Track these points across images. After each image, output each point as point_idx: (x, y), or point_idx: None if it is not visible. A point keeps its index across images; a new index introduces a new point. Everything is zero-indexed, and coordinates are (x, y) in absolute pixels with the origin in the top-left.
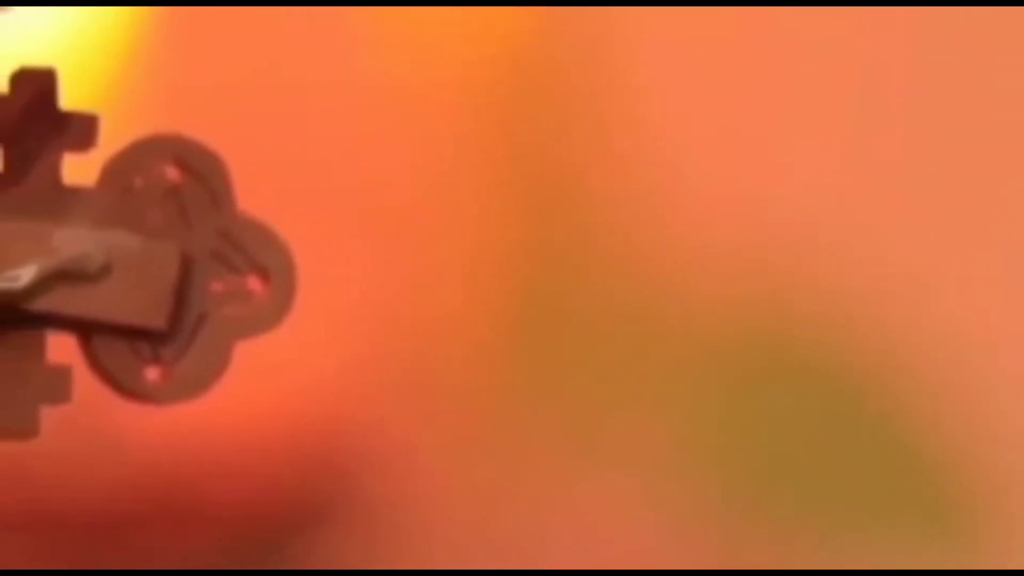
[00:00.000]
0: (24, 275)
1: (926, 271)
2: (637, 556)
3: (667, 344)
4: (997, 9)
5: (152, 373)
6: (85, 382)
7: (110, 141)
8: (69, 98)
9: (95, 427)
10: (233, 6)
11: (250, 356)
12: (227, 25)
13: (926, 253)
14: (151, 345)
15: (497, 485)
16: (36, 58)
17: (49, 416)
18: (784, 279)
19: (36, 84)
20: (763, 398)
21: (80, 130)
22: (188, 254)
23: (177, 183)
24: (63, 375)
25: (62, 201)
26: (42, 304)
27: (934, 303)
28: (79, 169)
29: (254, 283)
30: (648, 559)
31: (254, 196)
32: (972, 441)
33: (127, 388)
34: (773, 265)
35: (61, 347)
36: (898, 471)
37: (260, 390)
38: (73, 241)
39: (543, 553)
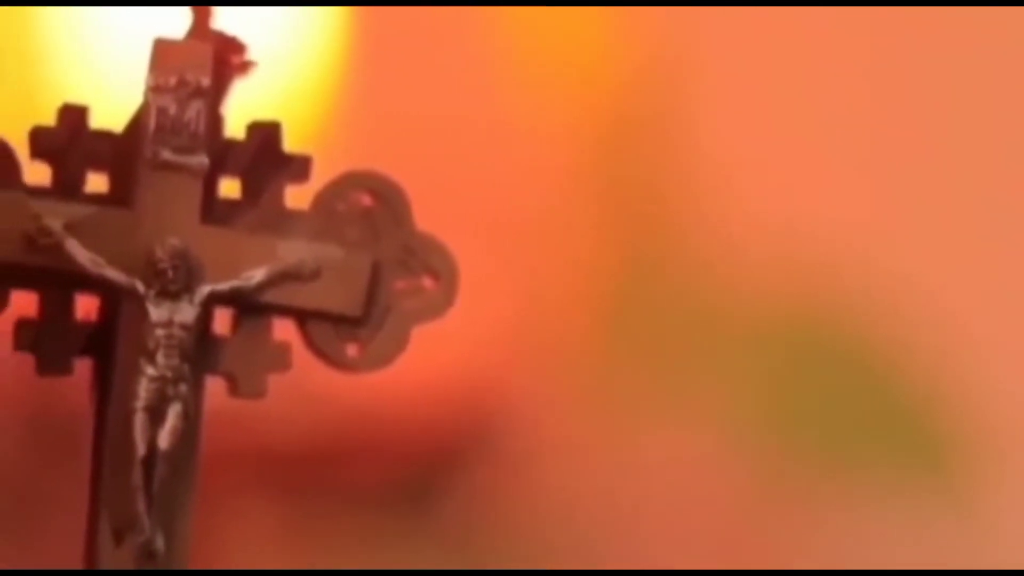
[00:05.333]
0: (256, 276)
1: (927, 273)
2: (708, 485)
3: (732, 329)
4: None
5: (352, 349)
6: (301, 355)
7: (320, 174)
8: (290, 140)
9: (306, 389)
10: (413, 59)
11: (421, 336)
12: (404, 79)
13: (922, 255)
14: (350, 328)
15: (603, 434)
16: (266, 106)
17: (274, 381)
18: (817, 280)
19: (265, 132)
20: (801, 369)
21: (298, 167)
22: (378, 261)
23: (370, 207)
24: (285, 350)
25: (284, 221)
26: (269, 297)
27: (932, 296)
28: (297, 196)
29: (427, 282)
30: (717, 487)
31: (426, 214)
32: (960, 401)
33: (333, 360)
34: (810, 270)
35: (283, 329)
36: (899, 424)
37: (427, 361)
38: (293, 251)
39: (639, 485)
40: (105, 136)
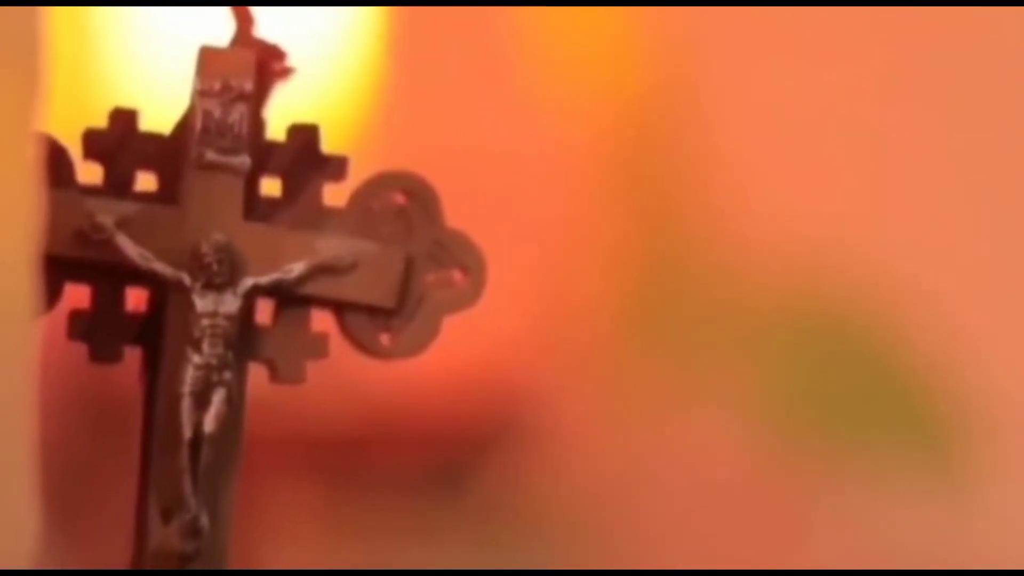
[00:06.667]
0: (296, 269)
1: (926, 265)
2: (724, 469)
3: (745, 322)
4: None
5: (385, 338)
6: (338, 344)
7: (356, 173)
8: (328, 142)
9: (343, 376)
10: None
11: (451, 326)
12: (436, 86)
13: (921, 253)
14: (384, 319)
15: (624, 421)
16: (306, 109)
17: (312, 368)
18: (825, 276)
19: (305, 134)
20: (811, 358)
21: (335, 167)
22: (410, 255)
23: (403, 205)
24: (322, 339)
25: (322, 218)
26: (308, 289)
27: (932, 289)
28: (335, 195)
29: (457, 276)
30: (732, 471)
31: (456, 212)
32: (960, 387)
33: (367, 348)
34: (818, 266)
35: (321, 320)
36: (905, 405)
37: (457, 349)
38: (330, 246)
39: (658, 469)
40: (154, 138)
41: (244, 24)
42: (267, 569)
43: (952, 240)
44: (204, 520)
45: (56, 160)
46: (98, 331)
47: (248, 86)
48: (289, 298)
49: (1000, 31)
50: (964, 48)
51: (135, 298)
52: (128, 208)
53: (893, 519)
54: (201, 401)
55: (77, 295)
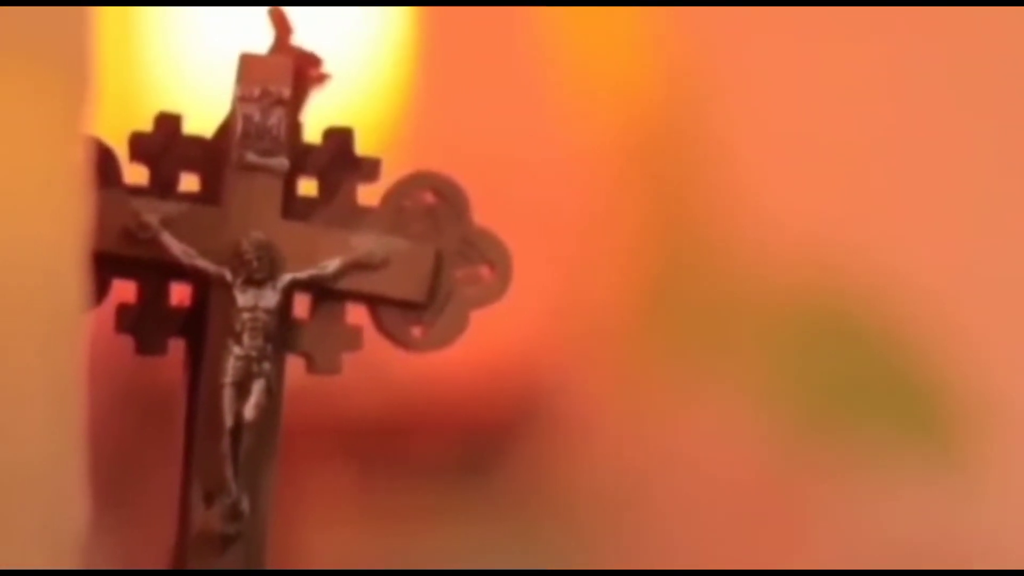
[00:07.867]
0: (331, 265)
1: (931, 264)
2: (738, 457)
3: (757, 317)
4: None
5: (416, 331)
6: (371, 336)
7: (389, 174)
8: (362, 144)
9: (376, 367)
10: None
11: (477, 320)
12: (463, 90)
13: (926, 252)
14: (415, 313)
15: (642, 409)
16: (341, 113)
17: (347, 360)
18: (835, 269)
19: (339, 137)
20: (820, 352)
21: (369, 168)
22: (440, 252)
23: (433, 204)
24: (357, 332)
25: (356, 216)
26: (343, 284)
27: (937, 284)
28: (368, 194)
29: (484, 271)
30: (746, 459)
31: (484, 210)
32: (962, 376)
33: (399, 341)
34: (829, 261)
35: (355, 313)
36: (912, 400)
37: (484, 342)
38: (364, 243)
39: (674, 453)
40: (197, 141)
41: (282, 32)
42: (298, 569)
43: (954, 239)
44: (245, 504)
45: (104, 162)
46: (144, 325)
47: (286, 92)
48: (325, 293)
49: (1002, 31)
50: (968, 49)
51: (179, 293)
52: (172, 208)
53: (902, 510)
54: (242, 391)
55: (124, 290)
